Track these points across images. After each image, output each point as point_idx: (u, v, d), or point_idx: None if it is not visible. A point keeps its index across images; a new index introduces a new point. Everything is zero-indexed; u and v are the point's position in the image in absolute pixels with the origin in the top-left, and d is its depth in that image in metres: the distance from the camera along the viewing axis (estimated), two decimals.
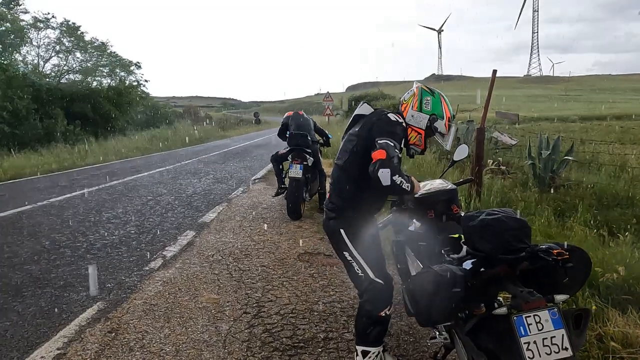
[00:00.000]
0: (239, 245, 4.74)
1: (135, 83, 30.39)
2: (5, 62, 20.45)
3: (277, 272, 3.96)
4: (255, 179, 9.37)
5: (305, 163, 5.88)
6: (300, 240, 4.87)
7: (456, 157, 2.92)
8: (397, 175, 2.04)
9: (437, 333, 2.37)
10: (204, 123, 35.40)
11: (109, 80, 29.44)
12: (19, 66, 23.37)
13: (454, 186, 2.60)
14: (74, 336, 2.80)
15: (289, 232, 5.25)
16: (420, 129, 2.29)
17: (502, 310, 1.69)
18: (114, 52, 28.99)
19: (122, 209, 6.44)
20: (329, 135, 6.75)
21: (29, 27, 23.60)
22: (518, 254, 1.71)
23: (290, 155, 5.99)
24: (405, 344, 2.82)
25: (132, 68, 30.15)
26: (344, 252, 2.30)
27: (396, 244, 2.83)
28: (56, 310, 3.18)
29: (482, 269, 1.80)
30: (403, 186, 2.08)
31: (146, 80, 31.18)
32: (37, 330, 2.89)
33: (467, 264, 1.91)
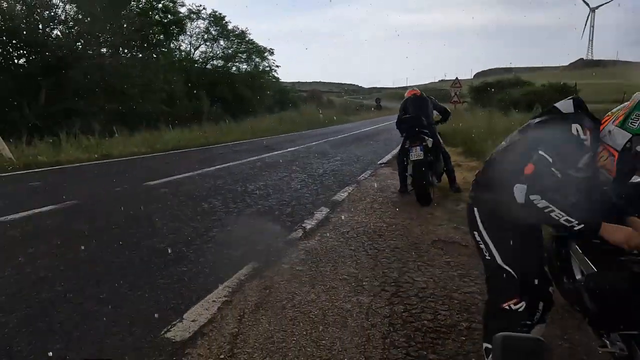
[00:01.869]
0: (371, 225, 4.83)
1: (267, 68, 32.71)
2: (165, 50, 23.68)
3: (412, 256, 3.94)
4: (381, 163, 9.41)
5: (424, 144, 5.70)
6: (433, 227, 4.77)
7: None
8: (539, 195, 1.66)
9: (609, 343, 2.12)
10: (327, 108, 36.61)
11: (245, 66, 32.14)
12: (175, 53, 26.90)
13: None
14: (236, 287, 3.18)
15: (420, 218, 5.17)
16: (614, 149, 1.73)
17: None
18: (251, 40, 31.39)
19: (263, 182, 7.06)
20: (449, 111, 6.52)
21: (184, 18, 26.89)
22: None
23: (408, 141, 5.87)
24: (558, 349, 2.59)
25: (266, 54, 32.39)
26: (474, 232, 2.09)
27: (556, 239, 2.59)
28: (219, 264, 3.65)
29: None
30: (550, 212, 1.65)
31: (277, 66, 33.25)
32: (207, 279, 3.35)
33: None
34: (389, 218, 5.15)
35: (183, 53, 28.51)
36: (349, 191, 6.55)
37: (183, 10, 26.03)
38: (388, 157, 10.34)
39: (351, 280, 3.38)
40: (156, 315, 2.73)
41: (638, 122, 1.68)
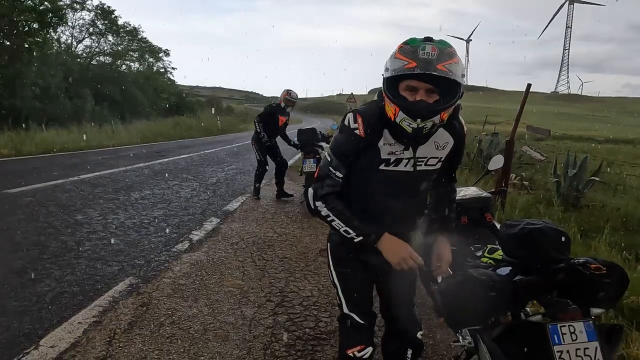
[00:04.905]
0: (262, 235, 4.84)
1: (162, 70, 31.02)
2: (40, 40, 21.03)
3: (300, 265, 4.03)
4: None
5: (318, 156, 5.99)
6: (322, 236, 4.94)
7: (491, 167, 2.97)
8: (321, 202, 1.58)
9: (461, 337, 2.41)
10: (226, 114, 35.86)
11: (137, 65, 30.11)
12: (54, 45, 24.05)
13: (489, 195, 2.64)
14: (108, 306, 2.92)
15: (310, 228, 5.32)
16: (383, 91, 1.50)
17: (537, 317, 1.74)
18: (145, 38, 29.65)
19: (150, 191, 6.62)
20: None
21: (65, 7, 24.22)
22: (557, 264, 1.74)
23: (302, 152, 6.17)
24: (424, 346, 2.86)
25: (160, 55, 30.79)
26: (328, 271, 1.85)
27: (424, 246, 2.88)
28: (90, 281, 3.32)
29: (519, 277, 1.84)
30: (331, 221, 1.58)
31: (173, 68, 31.79)
32: (73, 298, 3.01)
33: (503, 271, 1.95)
34: (280, 228, 5.21)
35: (63, 45, 25.70)
36: (242, 201, 6.48)
37: None
38: None
39: (237, 293, 3.33)
40: (4, 344, 2.38)
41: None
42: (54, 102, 19.43)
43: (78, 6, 25.43)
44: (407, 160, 1.59)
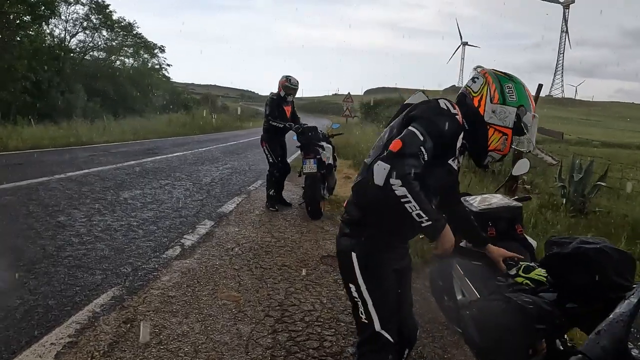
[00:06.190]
0: (259, 240, 4.53)
1: (157, 66, 30.56)
2: (32, 33, 20.52)
3: (300, 274, 3.73)
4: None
5: (318, 157, 5.64)
6: (322, 242, 4.65)
7: (515, 172, 2.70)
8: (400, 181, 1.40)
9: None
10: (221, 112, 35.46)
11: (132, 61, 29.63)
12: (46, 38, 23.50)
13: (519, 204, 2.36)
14: (87, 323, 2.60)
15: (310, 232, 5.03)
16: (507, 127, 1.63)
17: None
18: (140, 34, 29.13)
19: (140, 191, 6.28)
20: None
21: (59, 0, 23.70)
22: (619, 292, 1.46)
23: (302, 152, 5.79)
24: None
25: (155, 51, 30.32)
26: (350, 285, 1.68)
27: (443, 259, 2.60)
28: (68, 293, 2.99)
29: (571, 304, 1.56)
30: (405, 202, 1.41)
31: (168, 65, 31.30)
32: (48, 314, 2.68)
33: (548, 296, 1.66)
34: (278, 232, 4.91)
35: (56, 39, 25.13)
36: (238, 202, 6.17)
37: None
38: None
39: (232, 306, 3.03)
40: None
41: (514, 94, 1.65)
42: (45, 96, 18.97)
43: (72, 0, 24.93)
44: (456, 159, 1.68)
